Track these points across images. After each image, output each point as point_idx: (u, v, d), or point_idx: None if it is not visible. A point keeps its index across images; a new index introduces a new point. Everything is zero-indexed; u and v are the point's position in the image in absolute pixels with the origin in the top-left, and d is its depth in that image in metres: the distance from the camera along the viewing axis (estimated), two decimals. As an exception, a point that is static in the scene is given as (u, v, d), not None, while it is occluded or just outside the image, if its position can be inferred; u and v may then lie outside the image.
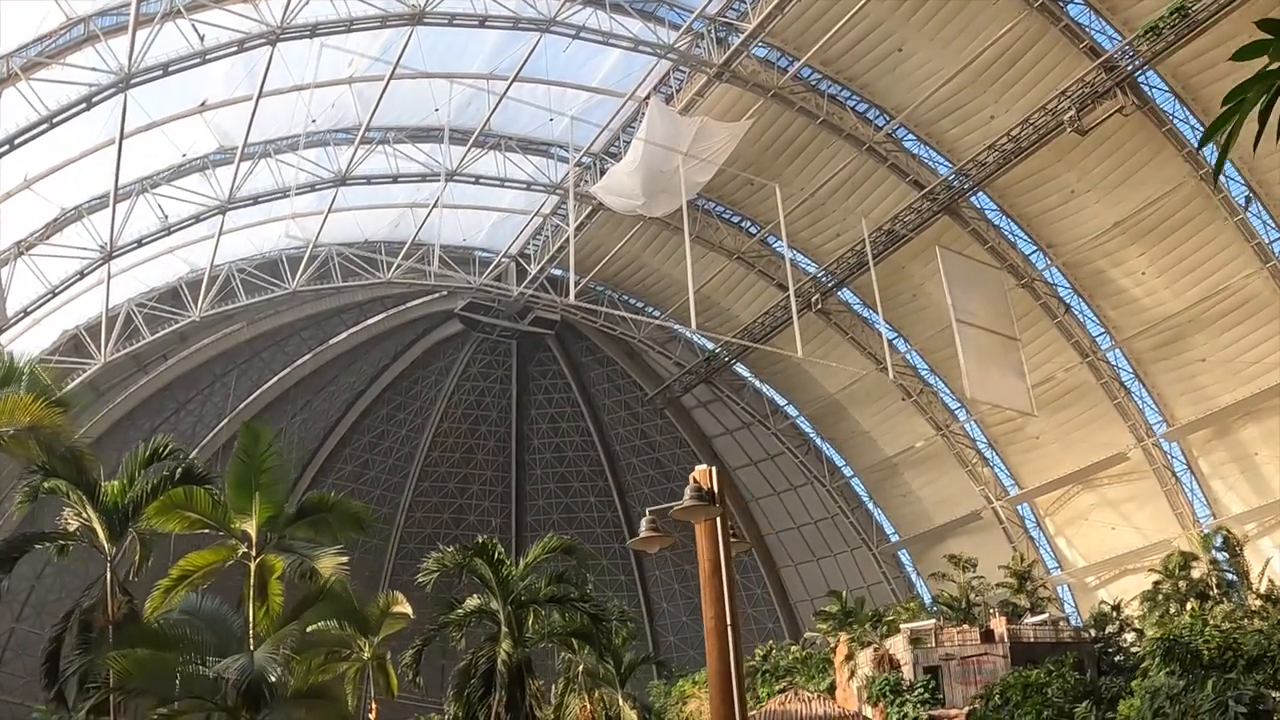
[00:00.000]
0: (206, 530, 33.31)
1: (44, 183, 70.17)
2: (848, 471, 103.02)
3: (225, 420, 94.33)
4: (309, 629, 32.69)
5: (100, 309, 77.95)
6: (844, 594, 79.76)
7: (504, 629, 34.55)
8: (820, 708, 46.48)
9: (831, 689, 64.79)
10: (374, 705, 46.58)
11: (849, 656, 63.95)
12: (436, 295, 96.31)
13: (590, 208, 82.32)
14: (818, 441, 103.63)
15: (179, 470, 32.64)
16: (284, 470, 34.26)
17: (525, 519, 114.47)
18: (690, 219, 72.28)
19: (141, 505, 31.82)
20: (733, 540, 16.34)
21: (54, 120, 62.65)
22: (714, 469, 15.63)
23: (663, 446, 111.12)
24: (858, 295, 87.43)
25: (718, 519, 15.41)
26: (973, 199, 78.17)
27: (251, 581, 31.86)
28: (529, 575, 37.04)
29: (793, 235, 77.39)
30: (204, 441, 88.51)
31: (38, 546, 32.57)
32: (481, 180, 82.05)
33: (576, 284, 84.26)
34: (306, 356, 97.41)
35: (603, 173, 76.95)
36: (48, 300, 76.41)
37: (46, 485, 31.80)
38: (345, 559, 32.28)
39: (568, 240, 77.16)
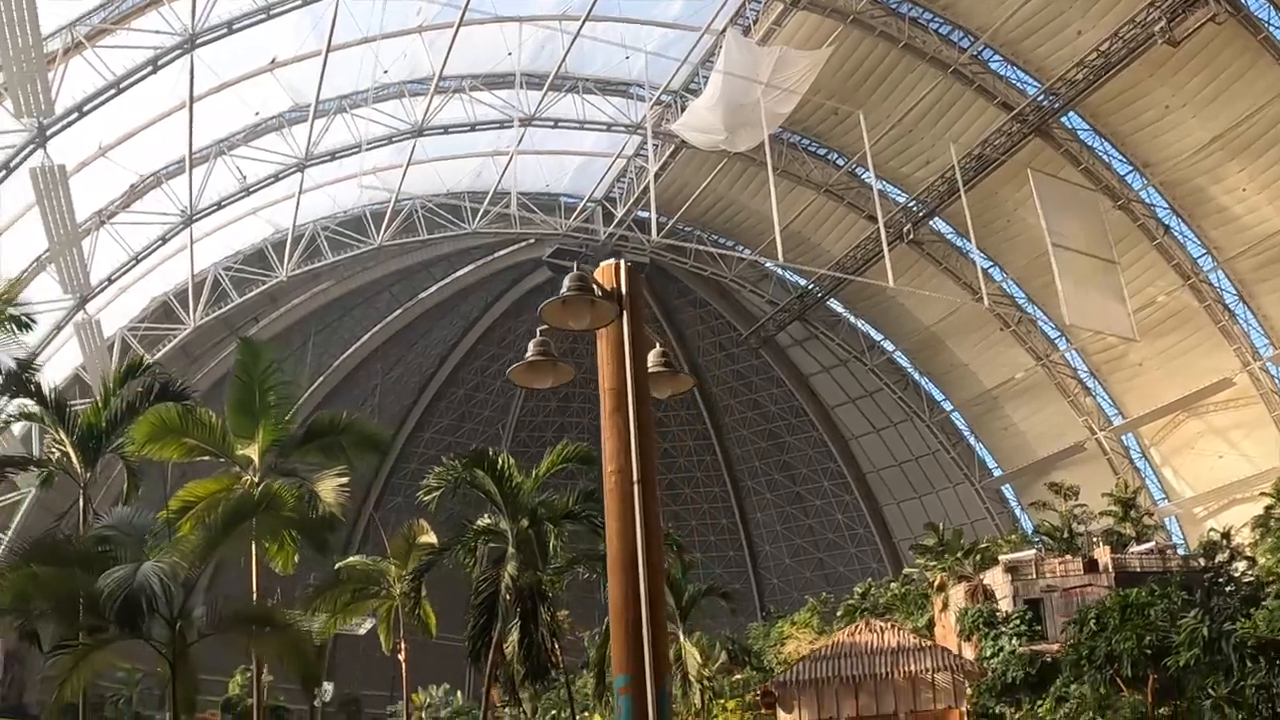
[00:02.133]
0: (207, 457, 29.27)
1: (118, 150, 67.53)
2: (947, 406, 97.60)
3: (320, 380, 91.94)
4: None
5: (187, 274, 75.74)
6: (941, 526, 74.37)
7: (511, 550, 29.74)
8: (893, 638, 41.46)
9: (930, 626, 59.99)
10: (403, 644, 42.30)
11: (941, 588, 58.89)
12: (523, 244, 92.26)
13: (673, 146, 77.82)
14: (916, 376, 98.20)
15: (156, 387, 28.51)
16: (288, 391, 29.96)
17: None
18: (775, 153, 68.85)
19: (117, 425, 27.85)
20: (664, 371, 11.56)
21: (121, 85, 60.54)
22: (621, 263, 10.73)
23: (760, 387, 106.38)
24: (950, 224, 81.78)
25: (624, 330, 10.62)
26: (1064, 119, 72.13)
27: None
28: (544, 491, 32.35)
29: (880, 165, 72.05)
30: (299, 402, 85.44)
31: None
32: (561, 124, 77.96)
33: (663, 225, 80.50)
34: (397, 312, 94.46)
35: (683, 110, 72.49)
36: (131, 267, 74.48)
37: (19, 408, 27.96)
38: (345, 480, 27.99)
39: (653, 180, 72.57)
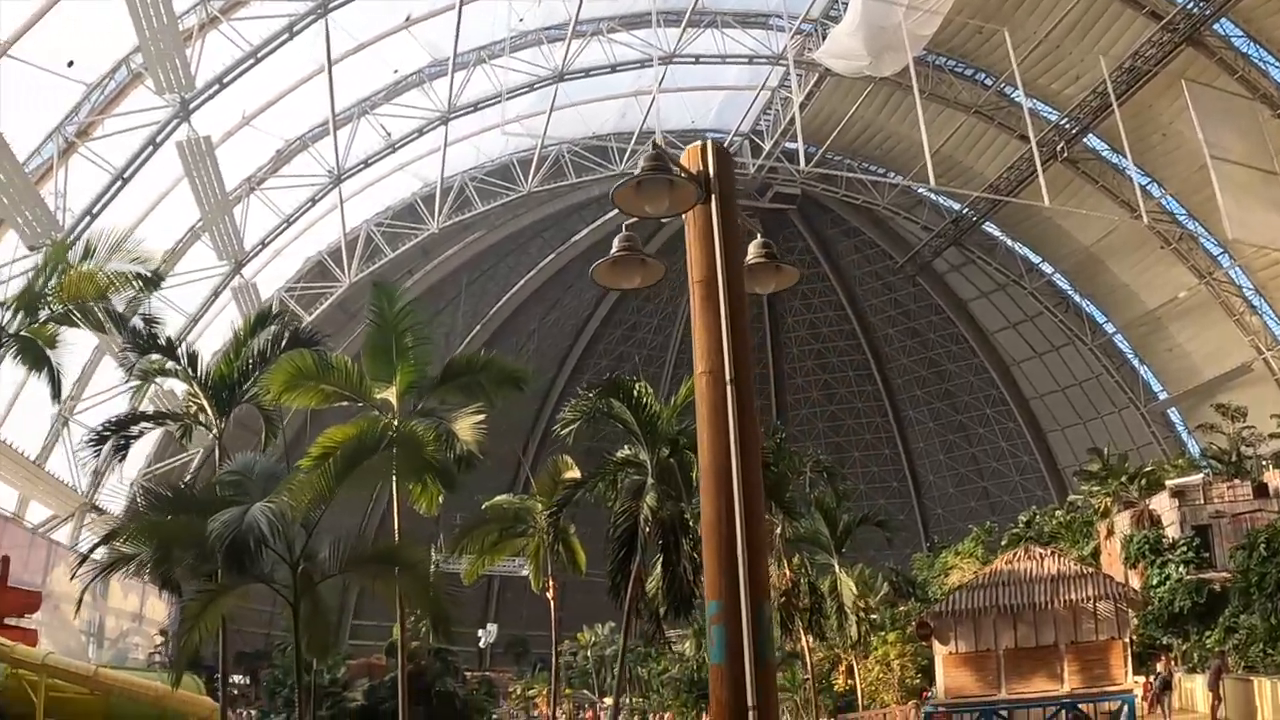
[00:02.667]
0: (345, 403, 28.56)
1: (262, 118, 67.67)
2: (1109, 328, 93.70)
3: (478, 328, 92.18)
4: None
5: (339, 233, 76.19)
6: (1105, 451, 71.46)
7: (650, 480, 28.42)
8: (1053, 565, 39.31)
9: (1095, 554, 57.57)
10: (552, 583, 41.33)
11: (1105, 514, 56.36)
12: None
13: (817, 75, 75.76)
14: (1076, 298, 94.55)
15: (286, 335, 27.81)
16: (424, 332, 29.10)
17: (785, 398, 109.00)
18: (920, 75, 66.30)
19: (249, 374, 27.22)
20: (766, 263, 10.18)
21: (259, 55, 61.14)
22: (708, 142, 9.40)
23: (918, 314, 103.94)
24: (1105, 140, 78.05)
25: (713, 211, 9.27)
26: (1216, 26, 68.18)
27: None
28: (686, 419, 30.76)
29: (1029, 83, 69.06)
30: (458, 350, 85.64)
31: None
32: (701, 60, 76.53)
33: (811, 155, 78.73)
34: (550, 257, 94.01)
35: (824, 37, 70.53)
36: (283, 230, 75.31)
37: (150, 362, 27.44)
38: (482, 416, 27.04)
39: (799, 111, 70.77)
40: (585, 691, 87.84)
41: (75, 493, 62.89)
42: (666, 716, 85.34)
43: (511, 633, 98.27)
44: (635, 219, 9.95)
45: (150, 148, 60.50)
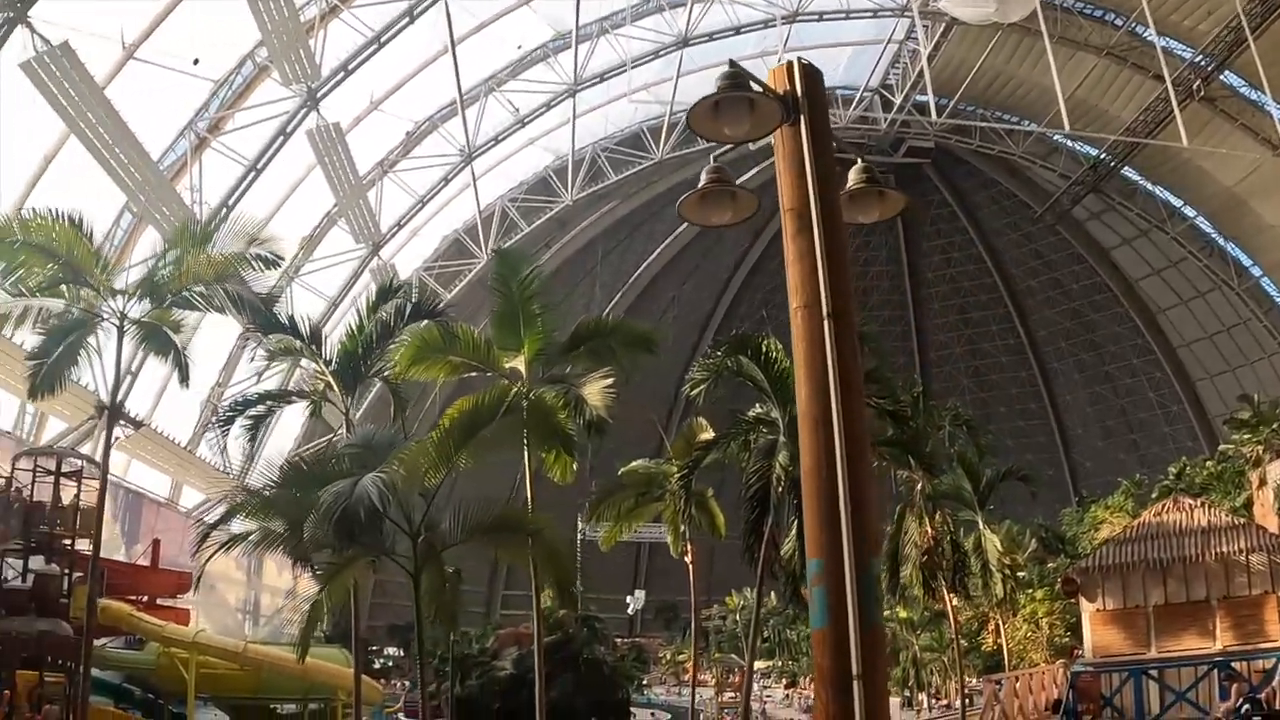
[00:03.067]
0: (473, 374, 28.06)
1: (390, 102, 68.07)
2: (1256, 271, 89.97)
3: (617, 297, 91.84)
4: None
5: (473, 210, 76.74)
6: (1256, 398, 68.41)
7: (782, 439, 27.32)
8: (1203, 516, 37.26)
9: (1248, 505, 54.94)
10: (690, 547, 40.38)
11: (1257, 463, 53.73)
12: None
13: (944, 25, 73.48)
14: (1221, 242, 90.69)
15: (409, 308, 27.29)
16: (550, 299, 28.42)
17: (929, 355, 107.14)
18: (1049, 19, 64.36)
19: (374, 348, 26.77)
20: (868, 189, 9.23)
21: (381, 40, 61.14)
22: (795, 61, 8.46)
23: (1059, 264, 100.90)
24: (1242, 76, 74.56)
25: (803, 133, 8.34)
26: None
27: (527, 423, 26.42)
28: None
29: (1160, 20, 66.57)
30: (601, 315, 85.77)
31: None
32: (825, 16, 74.99)
33: (943, 107, 76.80)
34: (684, 225, 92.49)
35: (948, -13, 68.08)
36: (418, 210, 75.78)
37: (279, 343, 27.14)
38: (610, 380, 26.33)
39: (927, 63, 69.57)
40: (734, 656, 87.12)
41: (226, 476, 63.64)
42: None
43: (661, 598, 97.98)
44: (726, 150, 9.00)
45: (281, 138, 60.98)
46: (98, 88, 47.94)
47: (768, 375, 27.27)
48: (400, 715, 63.02)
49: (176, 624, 39.59)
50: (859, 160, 9.43)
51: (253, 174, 60.70)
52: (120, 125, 49.10)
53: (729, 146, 9.15)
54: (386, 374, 27.70)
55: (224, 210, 58.94)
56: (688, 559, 40.81)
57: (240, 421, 27.39)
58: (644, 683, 76.91)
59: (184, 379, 25.84)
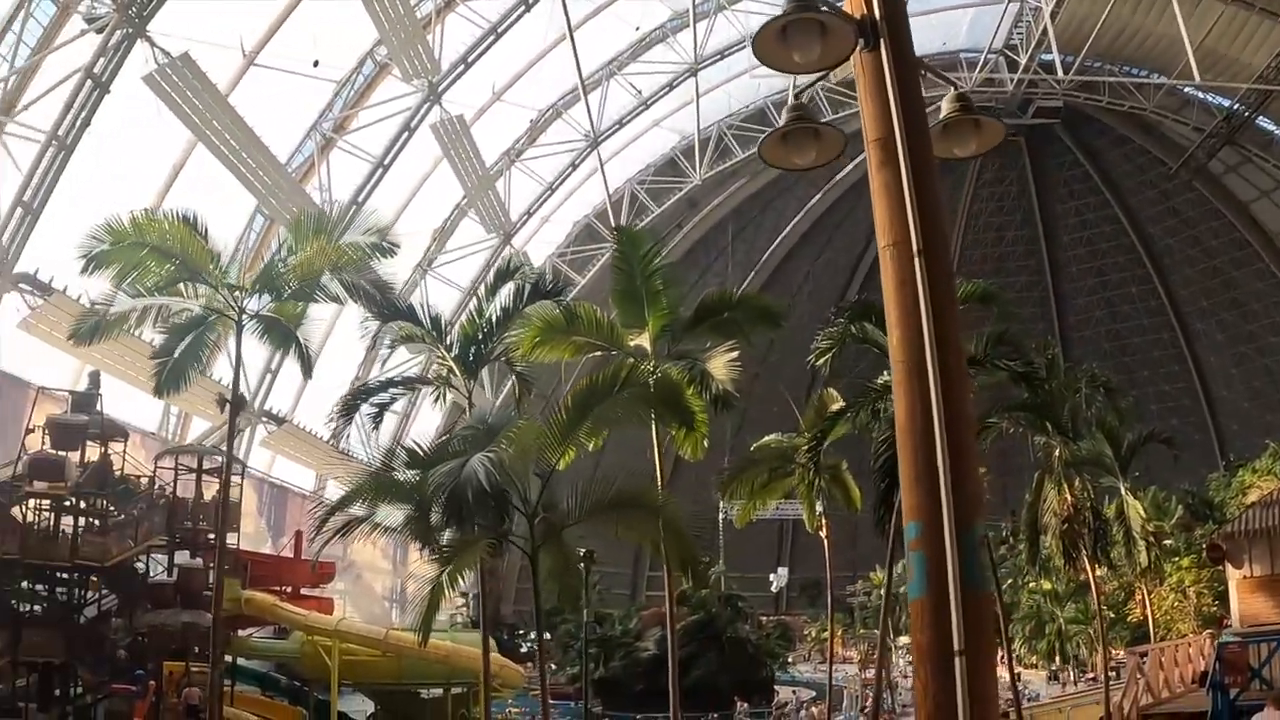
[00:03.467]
0: (598, 353, 27.58)
1: (512, 91, 68.11)
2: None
3: (751, 275, 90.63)
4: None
5: (602, 194, 75.90)
6: None
7: None
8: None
9: None
10: (825, 521, 39.30)
11: None
12: (931, 107, 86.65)
13: (1066, -22, 70.85)
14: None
15: (527, 289, 26.74)
16: (672, 274, 27.80)
17: (1068, 320, 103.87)
18: (1173, -34, 61.24)
19: (494, 333, 26.29)
20: (963, 118, 8.37)
21: (499, 30, 60.99)
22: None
23: (1197, 221, 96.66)
24: (1382, 14, 70.78)
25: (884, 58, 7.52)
26: None
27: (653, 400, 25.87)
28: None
29: (1290, -41, 63.35)
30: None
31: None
32: (947, -23, 73.09)
33: (1069, 65, 74.12)
34: (816, 196, 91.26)
35: (1070, -60, 66.19)
36: (547, 197, 75.86)
37: (400, 330, 26.78)
38: (735, 354, 25.63)
39: (1050, 20, 67.62)
40: (877, 632, 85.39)
41: (369, 468, 64.29)
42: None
43: (805, 575, 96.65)
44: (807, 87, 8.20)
45: (405, 133, 61.31)
46: (221, 96, 48.49)
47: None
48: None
49: (320, 613, 39.85)
50: (954, 89, 8.54)
51: (380, 170, 61.08)
52: (246, 131, 49.69)
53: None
54: (510, 357, 27.10)
55: (353, 208, 59.42)
56: (823, 534, 39.83)
57: (366, 410, 27.14)
58: (788, 660, 76.06)
59: (306, 371, 25.83)
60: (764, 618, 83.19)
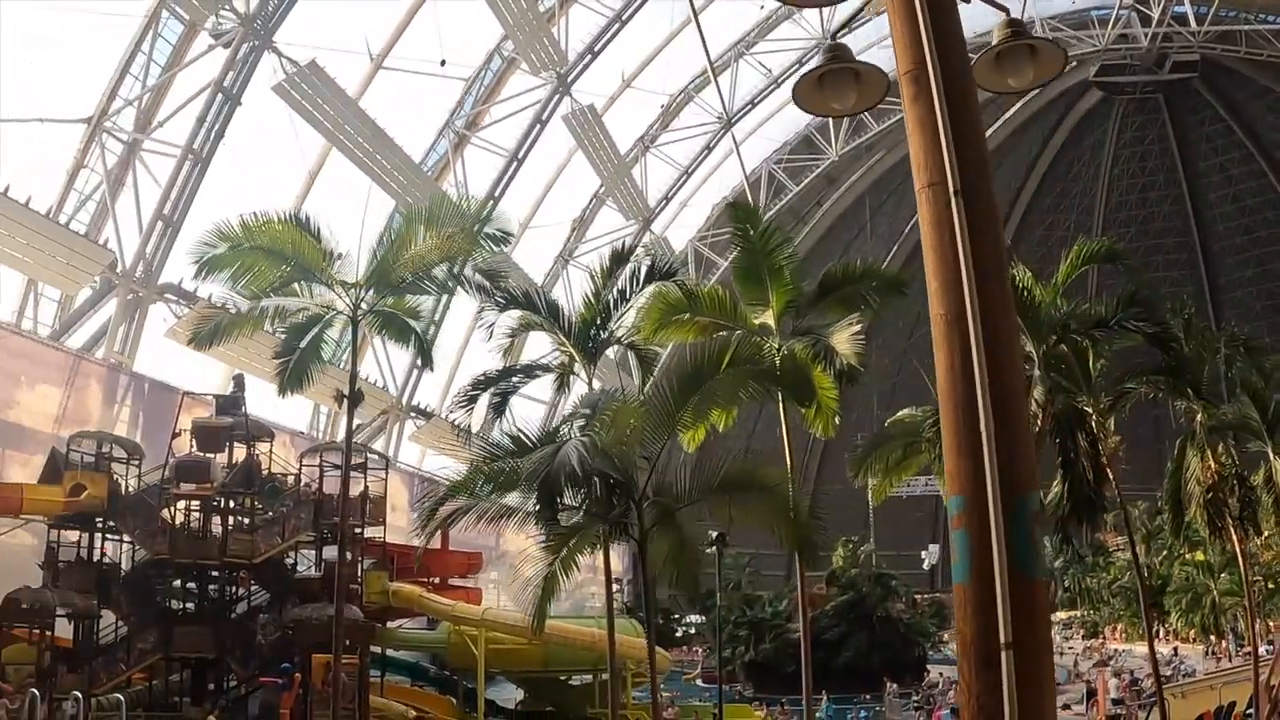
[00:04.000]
0: (722, 333, 26.75)
1: (641, 78, 67.58)
2: None
3: (895, 247, 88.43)
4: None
5: (739, 176, 74.36)
6: None
7: (1037, 373, 24.71)
8: None
9: None
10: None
11: None
12: (1066, 69, 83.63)
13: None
14: None
15: (642, 270, 25.94)
16: (794, 249, 26.79)
17: (1217, 280, 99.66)
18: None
19: (611, 317, 25.58)
20: (1015, 45, 7.47)
21: (623, 17, 60.87)
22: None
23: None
24: None
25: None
26: None
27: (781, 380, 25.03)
28: (1062, 301, 26.40)
29: None
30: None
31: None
32: (1074, -72, 71.01)
33: (1202, 16, 71.19)
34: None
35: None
36: (684, 181, 75.15)
37: (520, 319, 26.24)
38: (858, 327, 24.53)
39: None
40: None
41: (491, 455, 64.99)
42: (1118, 628, 79.86)
43: None
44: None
45: (537, 126, 61.15)
46: (350, 100, 49.08)
47: (1018, 306, 24.88)
48: (699, 681, 62.52)
49: (467, 603, 39.73)
50: (1006, 14, 7.60)
51: (514, 164, 61.00)
52: (378, 133, 50.28)
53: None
54: (631, 341, 26.27)
55: (490, 203, 59.68)
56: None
57: (487, 399, 26.64)
58: (943, 639, 74.57)
59: (426, 363, 25.43)
60: (919, 596, 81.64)
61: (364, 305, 24.15)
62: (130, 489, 32.89)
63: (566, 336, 25.94)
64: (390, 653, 39.07)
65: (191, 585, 33.99)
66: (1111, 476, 26.95)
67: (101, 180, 43.61)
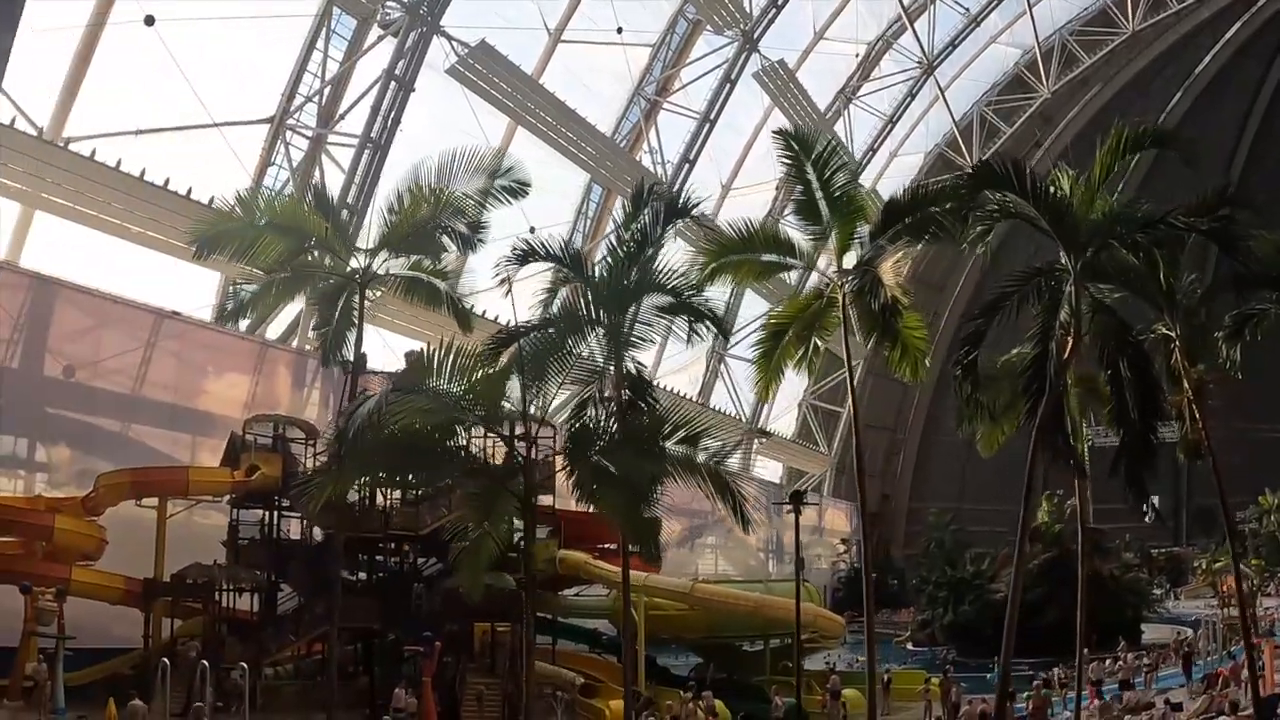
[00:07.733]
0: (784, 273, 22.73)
1: (834, 27, 63.13)
2: None
3: (1120, 185, 79.39)
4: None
5: (949, 122, 71.11)
6: None
7: (1069, 289, 19.00)
8: None
9: None
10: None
11: None
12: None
13: None
14: None
15: (662, 211, 21.57)
16: (851, 173, 22.26)
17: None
18: None
19: (632, 261, 21.32)
20: None
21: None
22: None
23: None
24: None
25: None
26: None
27: (844, 316, 21.42)
28: (1103, 206, 20.33)
29: None
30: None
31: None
32: None
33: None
34: (1176, 96, 78.53)
35: None
36: (889, 131, 70.16)
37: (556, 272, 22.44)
38: (900, 255, 21.56)
39: None
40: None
41: (739, 421, 64.56)
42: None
43: (1200, 502, 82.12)
44: None
45: (727, 85, 57.54)
46: (527, 76, 46.87)
47: (1045, 211, 19.36)
48: (909, 645, 58.09)
49: (639, 570, 36.92)
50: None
51: (707, 126, 57.63)
52: (560, 107, 47.72)
53: None
54: (674, 285, 21.71)
55: (686, 165, 56.37)
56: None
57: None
58: (1172, 595, 66.29)
59: (465, 326, 22.02)
60: (1154, 550, 73.20)
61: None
62: (306, 468, 31.33)
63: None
64: (574, 621, 38.07)
65: (360, 558, 33.04)
66: (1198, 415, 21.13)
67: (289, 176, 42.11)
